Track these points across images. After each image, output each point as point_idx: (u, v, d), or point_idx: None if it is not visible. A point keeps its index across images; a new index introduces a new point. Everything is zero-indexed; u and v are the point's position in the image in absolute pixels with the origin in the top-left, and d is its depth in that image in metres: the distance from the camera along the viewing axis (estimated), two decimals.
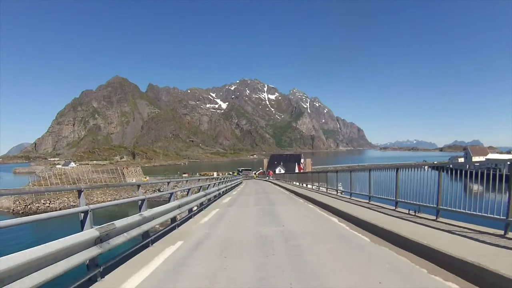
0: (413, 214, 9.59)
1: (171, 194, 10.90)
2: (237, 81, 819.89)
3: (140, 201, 7.84)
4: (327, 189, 22.97)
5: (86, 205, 5.45)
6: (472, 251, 5.26)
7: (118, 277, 5.53)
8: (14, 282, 3.37)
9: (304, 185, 32.61)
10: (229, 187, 30.69)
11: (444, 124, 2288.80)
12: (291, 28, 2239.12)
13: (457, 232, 6.83)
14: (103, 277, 5.45)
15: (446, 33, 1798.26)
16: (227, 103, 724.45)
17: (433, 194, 8.45)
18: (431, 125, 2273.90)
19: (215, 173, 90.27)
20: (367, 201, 13.71)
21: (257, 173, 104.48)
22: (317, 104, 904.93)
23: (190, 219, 12.25)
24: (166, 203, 9.49)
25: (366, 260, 6.03)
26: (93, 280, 5.28)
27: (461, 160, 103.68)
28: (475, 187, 7.14)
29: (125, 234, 6.15)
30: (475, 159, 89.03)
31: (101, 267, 5.42)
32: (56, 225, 30.11)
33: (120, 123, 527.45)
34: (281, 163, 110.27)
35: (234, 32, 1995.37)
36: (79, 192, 5.50)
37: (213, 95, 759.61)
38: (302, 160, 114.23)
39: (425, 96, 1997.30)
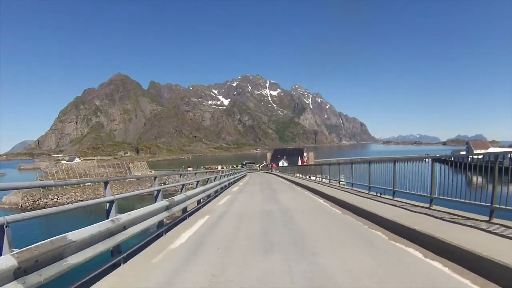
0: (379, 195, 12.76)
1: (197, 182, 14.62)
2: (239, 77, 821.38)
3: (181, 186, 11.53)
4: (321, 179, 26.93)
5: (158, 185, 8.85)
6: (397, 215, 8.45)
7: (174, 234, 8.72)
8: (137, 224, 6.62)
9: (305, 176, 36.19)
10: (236, 178, 34.78)
11: (447, 118, 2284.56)
12: (293, 23, 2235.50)
13: (398, 205, 10.10)
14: (166, 234, 8.65)
15: (449, 27, 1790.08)
16: (229, 100, 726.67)
17: (391, 180, 11.53)
18: (434, 119, 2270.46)
19: (219, 167, 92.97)
20: (350, 187, 17.21)
21: (260, 166, 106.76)
22: (319, 100, 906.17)
23: (209, 203, 15.62)
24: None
25: (334, 222, 9.61)
26: (160, 235, 8.40)
27: (463, 153, 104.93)
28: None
29: (178, 206, 9.93)
30: (476, 152, 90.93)
31: (166, 226, 8.72)
32: (63, 220, 31.64)
33: (123, 120, 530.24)
34: (284, 157, 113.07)
35: (235, 27, 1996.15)
36: (155, 178, 8.94)
37: (215, 91, 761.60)
38: (305, 154, 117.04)
39: (428, 90, 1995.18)
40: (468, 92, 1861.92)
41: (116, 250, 5.89)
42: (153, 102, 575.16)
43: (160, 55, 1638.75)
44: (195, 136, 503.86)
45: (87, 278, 4.93)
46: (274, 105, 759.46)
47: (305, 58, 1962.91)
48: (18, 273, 3.35)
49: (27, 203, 54.12)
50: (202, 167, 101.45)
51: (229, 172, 31.77)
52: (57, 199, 55.77)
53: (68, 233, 4.33)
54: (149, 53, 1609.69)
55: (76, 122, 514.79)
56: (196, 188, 13.62)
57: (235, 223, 9.97)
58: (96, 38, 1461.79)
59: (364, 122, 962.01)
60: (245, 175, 50.27)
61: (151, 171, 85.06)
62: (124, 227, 6.01)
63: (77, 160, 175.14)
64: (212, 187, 16.99)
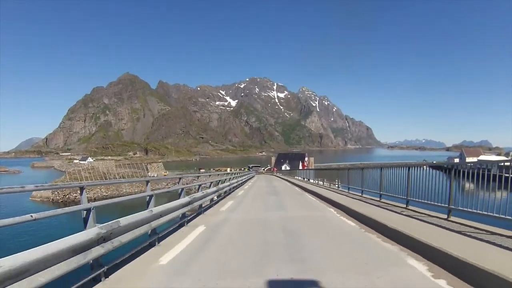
0: (336, 188, 19.20)
1: (225, 179, 22.61)
2: (247, 79, 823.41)
3: (210, 183, 16.39)
4: (309, 179, 39.21)
5: (182, 184, 14.73)
6: (366, 209, 11.02)
7: (214, 209, 14.05)
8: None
9: (303, 178, 45.41)
10: (250, 176, 50.86)
11: (454, 123, 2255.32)
12: (301, 26, 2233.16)
13: (364, 200, 14.50)
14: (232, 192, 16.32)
15: (456, 31, 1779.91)
16: (236, 101, 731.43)
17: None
18: (440, 124, 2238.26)
19: (228, 169, 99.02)
20: (329, 185, 25.64)
21: (265, 170, 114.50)
22: (326, 103, 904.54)
23: (234, 191, 24.40)
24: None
25: (302, 197, 19.69)
26: (200, 213, 12.97)
27: (457, 160, 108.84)
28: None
29: (209, 196, 14.54)
30: (469, 159, 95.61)
31: (206, 206, 14.08)
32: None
33: (131, 119, 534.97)
34: (287, 161, 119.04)
35: (244, 29, 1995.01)
36: (179, 179, 13.12)
37: (223, 92, 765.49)
38: (306, 159, 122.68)
39: (435, 95, 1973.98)
40: (475, 97, 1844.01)
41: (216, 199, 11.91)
42: (161, 102, 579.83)
43: (168, 55, 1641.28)
44: (202, 138, 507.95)
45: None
46: (281, 107, 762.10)
47: (312, 60, 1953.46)
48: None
49: (57, 197, 60.16)
50: (212, 169, 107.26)
51: (245, 173, 48.90)
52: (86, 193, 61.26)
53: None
54: (158, 53, 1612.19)
55: (85, 120, 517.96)
56: (224, 184, 20.38)
57: (258, 189, 27.25)
58: (104, 36, 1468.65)
59: (370, 126, 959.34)
60: (253, 176, 60.63)
61: (166, 172, 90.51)
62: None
63: (89, 159, 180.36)
64: (236, 183, 27.15)
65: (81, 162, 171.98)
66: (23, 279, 3.52)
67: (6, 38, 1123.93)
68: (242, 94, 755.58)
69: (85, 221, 5.29)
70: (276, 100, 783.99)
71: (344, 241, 7.76)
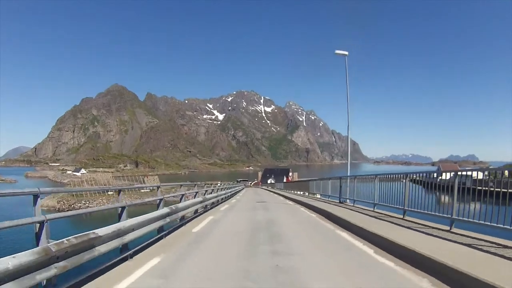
0: (306, 195, 27.00)
1: (225, 188, 30.64)
2: (234, 92, 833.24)
3: (211, 189, 24.44)
4: (288, 191, 47.59)
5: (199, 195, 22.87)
6: (327, 206, 21.55)
7: (214, 211, 21.76)
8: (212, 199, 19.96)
9: (286, 190, 55.10)
10: (241, 188, 62.25)
11: (441, 138, 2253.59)
12: (289, 39, 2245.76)
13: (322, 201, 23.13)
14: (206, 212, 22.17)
15: (444, 46, 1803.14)
16: (224, 115, 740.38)
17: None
18: (428, 138, 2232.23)
19: (219, 183, 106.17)
20: (302, 193, 33.07)
21: (252, 183, 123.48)
22: (312, 117, 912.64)
23: (230, 198, 30.99)
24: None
25: (283, 202, 24.94)
26: (202, 213, 20.78)
27: (434, 175, 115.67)
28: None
29: (210, 200, 21.87)
30: (445, 174, 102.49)
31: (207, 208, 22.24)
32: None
33: (119, 131, 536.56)
34: (272, 176, 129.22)
35: (231, 41, 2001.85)
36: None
37: (210, 106, 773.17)
38: (290, 174, 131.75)
39: (423, 109, 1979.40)
40: (463, 112, 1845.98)
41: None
42: (149, 114, 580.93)
43: (157, 65, 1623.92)
44: (190, 151, 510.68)
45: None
46: (268, 122, 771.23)
47: (300, 74, 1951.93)
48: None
49: (63, 206, 63.96)
50: (203, 183, 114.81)
51: (236, 185, 58.70)
52: (89, 204, 66.37)
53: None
54: (146, 63, 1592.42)
55: (73, 131, 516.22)
56: (223, 191, 27.65)
57: (247, 195, 40.99)
58: (94, 46, 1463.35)
59: (357, 141, 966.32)
60: (243, 189, 69.45)
61: None
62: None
63: (83, 171, 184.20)
64: (231, 192, 34.75)
65: (74, 173, 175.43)
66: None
67: None
68: (230, 108, 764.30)
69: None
70: (263, 114, 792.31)
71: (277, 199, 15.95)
